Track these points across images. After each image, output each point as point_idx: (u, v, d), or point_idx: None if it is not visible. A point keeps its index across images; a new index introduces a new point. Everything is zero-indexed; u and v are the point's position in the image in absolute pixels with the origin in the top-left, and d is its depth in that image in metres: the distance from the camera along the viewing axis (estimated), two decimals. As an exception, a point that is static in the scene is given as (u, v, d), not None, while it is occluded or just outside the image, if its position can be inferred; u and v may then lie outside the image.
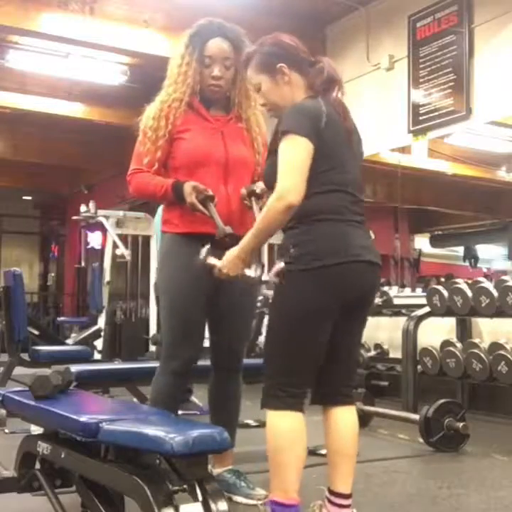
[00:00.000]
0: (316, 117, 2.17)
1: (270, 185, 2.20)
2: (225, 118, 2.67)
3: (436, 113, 5.49)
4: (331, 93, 2.28)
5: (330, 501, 2.25)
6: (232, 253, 2.19)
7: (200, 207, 2.49)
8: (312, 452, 2.89)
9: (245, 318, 2.78)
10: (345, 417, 2.32)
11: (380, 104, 6.03)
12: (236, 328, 2.71)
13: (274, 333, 2.22)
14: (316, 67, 2.29)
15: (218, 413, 2.78)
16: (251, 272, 2.17)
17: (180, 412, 4.54)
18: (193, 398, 4.81)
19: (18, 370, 4.51)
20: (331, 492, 2.26)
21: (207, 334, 2.76)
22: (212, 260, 2.22)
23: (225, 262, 2.19)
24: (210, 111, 2.66)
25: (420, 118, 5.64)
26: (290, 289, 2.15)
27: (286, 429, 2.13)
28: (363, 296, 2.28)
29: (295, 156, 2.12)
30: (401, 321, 4.87)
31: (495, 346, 4.29)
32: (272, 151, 2.22)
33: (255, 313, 2.87)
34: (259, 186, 2.56)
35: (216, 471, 2.69)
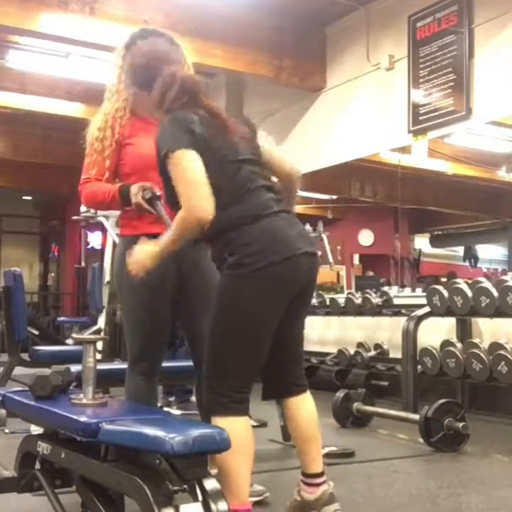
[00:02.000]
0: (189, 127, 2.14)
1: (170, 204, 2.21)
2: None
3: (436, 113, 5.49)
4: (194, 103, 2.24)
5: (306, 483, 2.36)
6: (146, 251, 2.19)
7: (147, 206, 2.46)
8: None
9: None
10: (305, 405, 2.37)
11: (380, 104, 6.03)
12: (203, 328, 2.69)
13: (222, 337, 2.17)
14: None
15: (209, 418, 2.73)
16: None
17: (180, 412, 4.60)
18: (193, 398, 4.80)
19: (18, 370, 4.51)
20: (306, 475, 2.36)
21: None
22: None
23: (137, 260, 2.20)
24: (154, 115, 2.69)
25: (420, 118, 5.64)
26: (238, 293, 2.14)
27: (235, 436, 1.94)
28: (308, 288, 2.29)
29: (189, 170, 2.08)
30: (401, 321, 4.87)
31: (495, 346, 4.29)
32: (162, 173, 2.19)
33: None
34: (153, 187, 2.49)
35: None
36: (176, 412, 4.64)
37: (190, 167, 2.08)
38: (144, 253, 2.20)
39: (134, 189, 2.48)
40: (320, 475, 2.36)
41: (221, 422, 2.08)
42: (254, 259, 2.10)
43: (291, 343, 2.35)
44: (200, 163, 2.09)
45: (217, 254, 2.20)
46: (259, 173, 2.26)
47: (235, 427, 2.08)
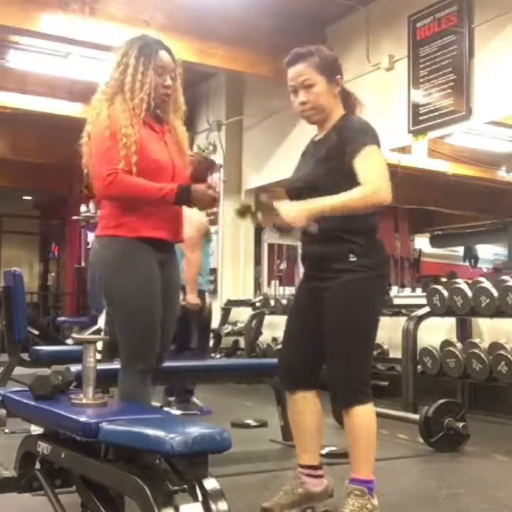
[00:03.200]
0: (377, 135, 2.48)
1: (315, 186, 2.38)
2: (162, 129, 2.72)
3: (436, 113, 5.49)
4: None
5: (309, 475, 2.51)
6: (302, 207, 2.30)
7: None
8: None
9: (173, 317, 2.79)
10: (317, 400, 2.60)
11: (380, 104, 6.02)
12: (168, 328, 2.72)
13: (357, 332, 2.40)
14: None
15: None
16: (313, 227, 2.29)
17: (180, 412, 4.60)
18: (194, 399, 4.81)
19: (18, 370, 4.51)
20: (308, 467, 2.52)
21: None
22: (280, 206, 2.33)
23: (293, 213, 2.30)
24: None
25: (420, 118, 5.64)
26: (372, 293, 2.42)
27: (374, 418, 2.40)
28: None
29: (383, 162, 2.41)
30: (401, 321, 4.87)
31: (495, 346, 4.29)
32: (331, 157, 2.42)
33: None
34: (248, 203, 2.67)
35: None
36: (176, 412, 4.64)
37: (383, 160, 2.43)
38: (300, 209, 2.31)
39: (200, 187, 2.56)
40: (321, 468, 2.56)
41: (366, 408, 2.37)
42: (376, 266, 2.42)
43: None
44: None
45: (335, 254, 2.40)
46: None
47: (373, 411, 2.40)
